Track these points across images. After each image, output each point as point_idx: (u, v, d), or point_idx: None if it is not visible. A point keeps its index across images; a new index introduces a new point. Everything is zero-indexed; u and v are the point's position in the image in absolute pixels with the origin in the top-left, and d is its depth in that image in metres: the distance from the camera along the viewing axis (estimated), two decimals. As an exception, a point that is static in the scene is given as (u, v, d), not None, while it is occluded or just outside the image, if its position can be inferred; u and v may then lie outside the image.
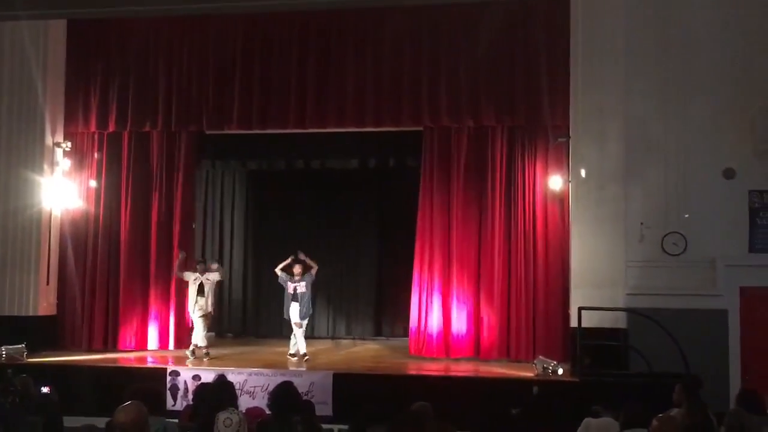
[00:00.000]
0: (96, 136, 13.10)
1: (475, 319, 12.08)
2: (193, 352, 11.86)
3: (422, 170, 12.53)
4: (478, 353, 12.00)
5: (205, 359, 11.70)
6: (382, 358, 12.46)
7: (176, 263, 12.36)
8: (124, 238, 12.94)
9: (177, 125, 12.77)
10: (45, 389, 7.85)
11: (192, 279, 12.05)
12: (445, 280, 12.24)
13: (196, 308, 11.96)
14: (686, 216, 10.59)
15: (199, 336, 11.95)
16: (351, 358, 12.70)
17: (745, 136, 10.58)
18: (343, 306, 15.51)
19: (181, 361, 11.58)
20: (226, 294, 15.39)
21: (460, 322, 12.13)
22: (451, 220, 12.29)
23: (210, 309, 12.08)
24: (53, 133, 12.71)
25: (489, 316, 11.99)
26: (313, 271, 11.91)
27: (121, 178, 13.07)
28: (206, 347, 12.01)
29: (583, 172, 10.97)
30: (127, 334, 12.86)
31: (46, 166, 12.53)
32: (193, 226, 15.32)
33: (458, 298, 12.14)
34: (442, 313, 12.19)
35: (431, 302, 12.27)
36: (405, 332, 15.03)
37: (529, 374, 10.52)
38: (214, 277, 12.14)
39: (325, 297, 15.30)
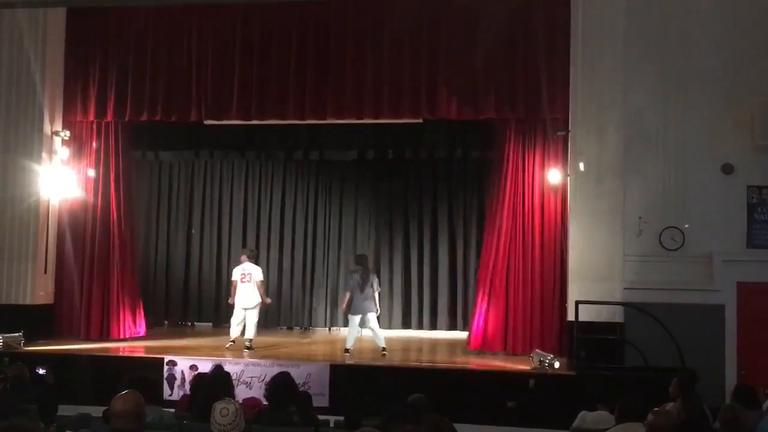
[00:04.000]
0: (94, 125, 13.06)
1: (480, 313, 12.09)
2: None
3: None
4: (483, 346, 11.96)
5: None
6: (377, 350, 12.44)
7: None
8: (120, 228, 12.95)
9: (176, 115, 12.72)
10: (41, 370, 7.82)
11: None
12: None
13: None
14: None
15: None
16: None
17: (744, 132, 10.58)
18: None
19: (177, 351, 11.59)
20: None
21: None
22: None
23: None
24: (51, 122, 12.66)
25: (490, 309, 11.99)
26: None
27: (119, 167, 13.06)
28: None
29: (581, 166, 10.96)
30: (124, 323, 12.86)
31: (44, 155, 12.49)
32: (193, 232, 15.46)
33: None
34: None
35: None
36: (419, 324, 15.13)
37: (526, 367, 10.53)
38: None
39: (322, 287, 15.35)
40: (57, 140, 12.72)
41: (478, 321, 12.01)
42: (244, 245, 15.11)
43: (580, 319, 10.27)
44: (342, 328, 14.58)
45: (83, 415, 6.23)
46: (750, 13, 10.74)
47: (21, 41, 12.33)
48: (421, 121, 12.34)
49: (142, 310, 13.30)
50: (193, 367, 10.47)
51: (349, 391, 9.64)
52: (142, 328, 13.12)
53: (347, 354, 11.57)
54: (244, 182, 15.82)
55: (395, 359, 11.57)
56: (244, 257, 12.38)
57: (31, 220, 12.35)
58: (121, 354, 11.55)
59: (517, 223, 11.90)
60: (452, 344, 13.35)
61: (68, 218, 12.83)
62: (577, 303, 10.31)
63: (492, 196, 12.23)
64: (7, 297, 12.17)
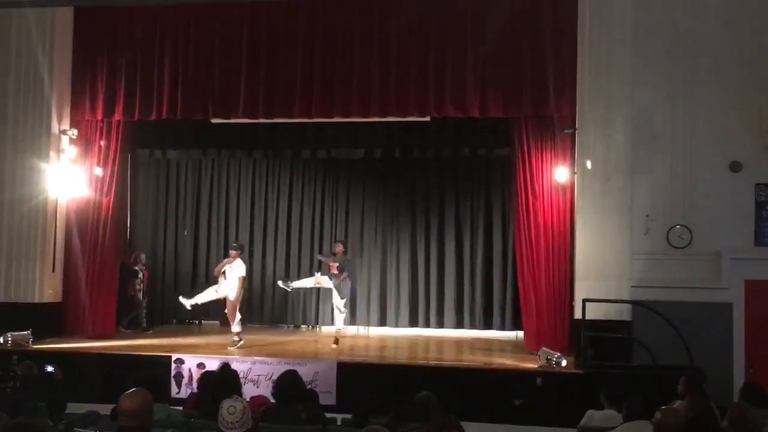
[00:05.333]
0: (102, 124, 13.08)
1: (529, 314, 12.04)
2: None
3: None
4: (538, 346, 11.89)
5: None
6: (385, 348, 12.50)
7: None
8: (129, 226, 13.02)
9: (183, 114, 12.73)
10: (49, 368, 7.86)
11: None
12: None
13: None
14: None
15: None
16: (357, 345, 12.76)
17: (752, 129, 10.53)
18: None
19: (185, 349, 11.62)
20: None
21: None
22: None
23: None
24: (59, 121, 12.69)
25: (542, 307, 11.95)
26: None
27: (127, 165, 13.10)
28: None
29: (588, 164, 10.94)
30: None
31: (52, 154, 12.53)
32: (185, 233, 15.45)
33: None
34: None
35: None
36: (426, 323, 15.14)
37: (533, 365, 10.52)
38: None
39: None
40: (65, 139, 12.75)
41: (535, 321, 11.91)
42: (251, 243, 15.15)
43: (588, 317, 10.26)
44: (349, 327, 14.61)
45: (91, 413, 6.25)
46: (758, 11, 10.69)
47: (29, 40, 12.36)
48: (428, 119, 12.33)
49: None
50: (200, 365, 10.50)
51: (357, 389, 9.65)
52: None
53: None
54: (251, 180, 15.83)
55: (402, 357, 11.58)
56: (236, 253, 12.34)
57: (39, 218, 12.40)
58: (129, 352, 11.57)
59: (530, 220, 11.87)
60: (458, 342, 13.36)
61: (76, 217, 12.86)
62: (585, 301, 10.30)
63: (513, 194, 12.19)
64: (16, 295, 12.23)
